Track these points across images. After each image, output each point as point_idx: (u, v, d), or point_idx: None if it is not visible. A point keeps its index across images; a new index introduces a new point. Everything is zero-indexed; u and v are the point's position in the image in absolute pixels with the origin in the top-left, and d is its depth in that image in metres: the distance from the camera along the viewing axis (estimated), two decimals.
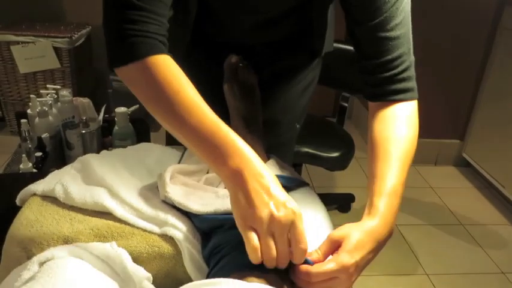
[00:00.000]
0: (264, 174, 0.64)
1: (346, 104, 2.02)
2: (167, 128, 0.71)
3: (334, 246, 0.68)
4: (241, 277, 0.64)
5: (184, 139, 0.69)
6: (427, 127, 2.62)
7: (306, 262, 0.65)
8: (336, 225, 0.99)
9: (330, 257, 0.67)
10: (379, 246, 0.70)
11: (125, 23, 0.72)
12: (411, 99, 0.87)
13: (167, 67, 0.70)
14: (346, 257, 0.65)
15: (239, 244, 0.66)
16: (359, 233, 0.68)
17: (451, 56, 2.44)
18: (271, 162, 0.98)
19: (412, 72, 0.86)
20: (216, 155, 0.65)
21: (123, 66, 0.72)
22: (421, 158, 2.68)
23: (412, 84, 0.86)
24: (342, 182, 2.43)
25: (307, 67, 1.14)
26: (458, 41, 2.41)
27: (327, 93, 3.05)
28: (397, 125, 0.82)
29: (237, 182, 0.63)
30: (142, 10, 0.73)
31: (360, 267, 0.67)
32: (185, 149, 1.04)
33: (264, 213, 0.61)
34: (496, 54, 2.40)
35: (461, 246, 2.04)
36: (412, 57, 0.86)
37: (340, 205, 2.21)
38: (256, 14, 1.00)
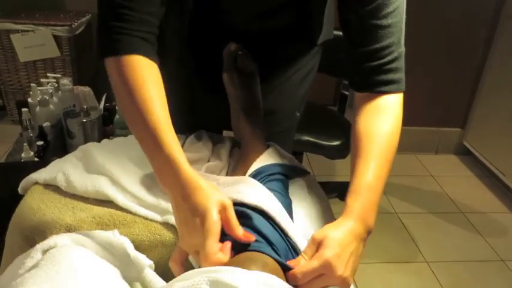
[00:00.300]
0: (198, 206, 0.66)
1: (347, 93, 2.01)
2: (128, 125, 0.75)
3: (318, 247, 0.69)
4: (238, 262, 0.66)
5: (141, 145, 0.73)
6: (428, 115, 2.62)
7: (286, 267, 0.67)
8: (336, 213, 0.99)
9: None
10: (359, 240, 0.72)
11: (112, 20, 0.74)
12: (397, 91, 0.84)
13: (139, 71, 0.73)
14: (327, 252, 0.66)
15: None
16: (338, 232, 0.69)
17: (452, 44, 2.43)
18: (270, 150, 0.98)
19: (400, 63, 0.84)
20: (164, 178, 0.70)
21: (104, 59, 0.75)
22: (421, 146, 2.68)
23: (399, 76, 0.84)
24: (342, 170, 2.43)
25: (306, 55, 1.14)
26: (460, 28, 2.40)
27: (328, 82, 3.03)
28: (380, 121, 0.81)
29: (178, 207, 0.69)
30: (132, 10, 0.74)
31: (344, 259, 0.67)
32: (186, 137, 1.04)
33: (185, 242, 0.68)
34: (498, 42, 2.39)
35: (461, 234, 2.05)
36: (402, 49, 0.84)
37: (340, 193, 2.22)
38: (257, 2, 0.99)
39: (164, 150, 0.68)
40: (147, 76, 0.73)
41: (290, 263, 0.68)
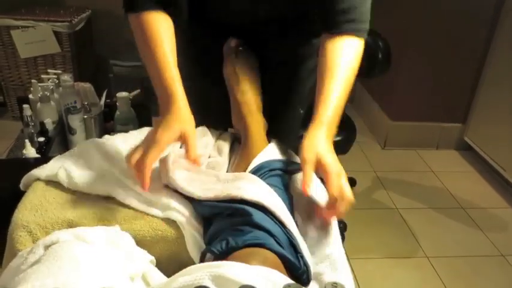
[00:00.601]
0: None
1: None
2: (145, 65, 0.89)
3: (315, 165, 0.81)
4: (239, 257, 0.66)
5: (151, 79, 0.88)
6: (429, 110, 2.62)
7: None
8: None
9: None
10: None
11: None
12: (362, 36, 0.93)
13: (154, 23, 0.87)
14: (336, 180, 0.80)
15: (236, 230, 0.71)
16: (322, 144, 0.83)
17: (453, 38, 2.42)
18: (271, 146, 0.98)
19: (366, 17, 0.93)
20: (161, 104, 0.86)
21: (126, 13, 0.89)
22: (422, 141, 2.68)
23: (365, 26, 0.93)
24: (343, 166, 2.42)
25: (311, 51, 1.14)
26: (460, 23, 2.39)
27: None
28: (345, 54, 0.91)
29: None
30: None
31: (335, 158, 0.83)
32: None
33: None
34: (498, 37, 2.38)
35: (462, 229, 2.06)
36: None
37: None
38: None
39: (164, 83, 0.84)
40: (160, 27, 0.87)
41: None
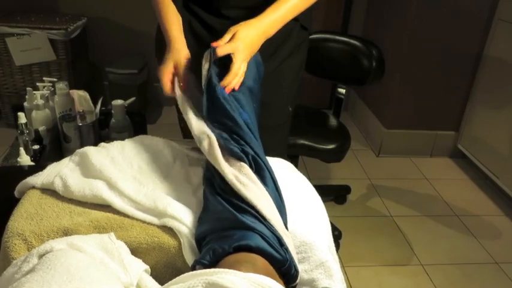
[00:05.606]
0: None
1: (342, 96, 2.02)
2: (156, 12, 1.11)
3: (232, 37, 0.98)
4: (229, 265, 0.67)
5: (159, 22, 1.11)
6: (423, 118, 2.64)
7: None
8: (332, 216, 1.00)
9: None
10: (264, 38, 1.03)
11: None
12: None
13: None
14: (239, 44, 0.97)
15: (221, 237, 0.74)
16: (252, 30, 1.00)
17: (446, 47, 2.45)
18: None
19: None
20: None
21: None
22: (416, 149, 2.70)
23: None
24: (337, 173, 2.45)
25: (296, 47, 1.18)
26: (453, 32, 2.42)
27: (323, 85, 3.05)
28: None
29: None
30: None
31: (248, 51, 0.99)
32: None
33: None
34: (491, 46, 2.41)
35: (456, 237, 2.06)
36: None
37: (336, 196, 2.23)
38: None
39: (166, 25, 1.08)
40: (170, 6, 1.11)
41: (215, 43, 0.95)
